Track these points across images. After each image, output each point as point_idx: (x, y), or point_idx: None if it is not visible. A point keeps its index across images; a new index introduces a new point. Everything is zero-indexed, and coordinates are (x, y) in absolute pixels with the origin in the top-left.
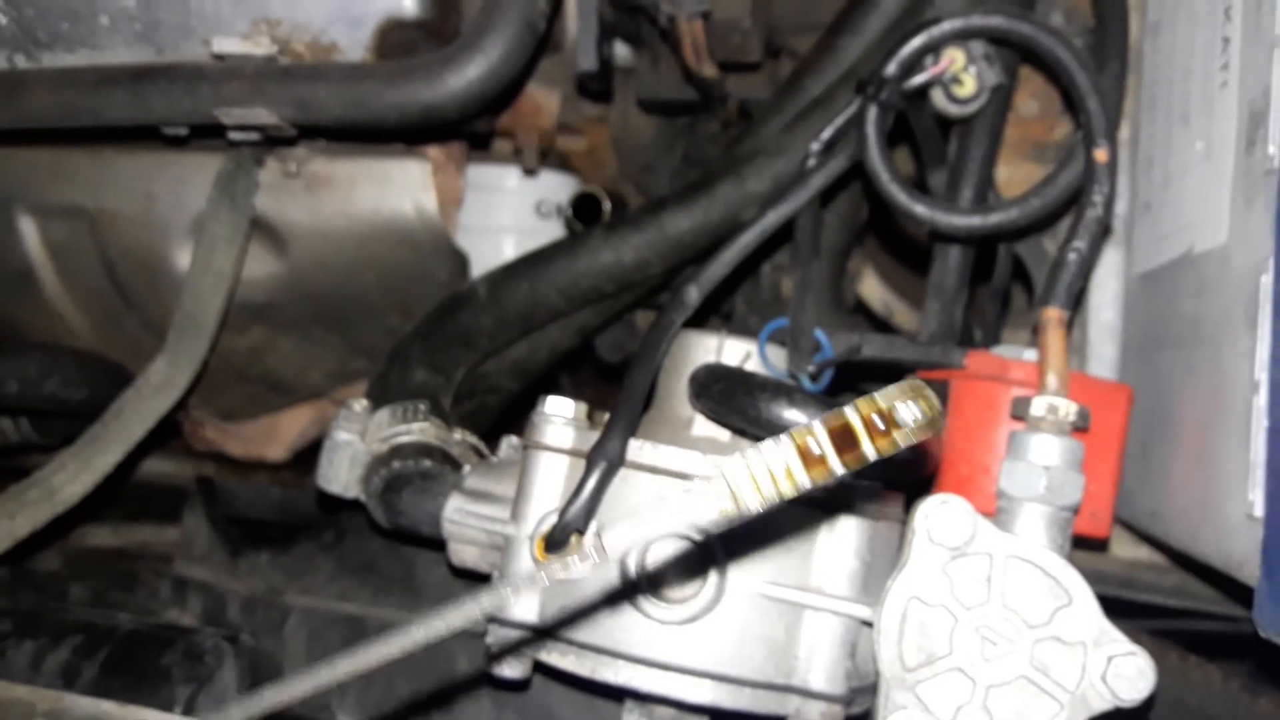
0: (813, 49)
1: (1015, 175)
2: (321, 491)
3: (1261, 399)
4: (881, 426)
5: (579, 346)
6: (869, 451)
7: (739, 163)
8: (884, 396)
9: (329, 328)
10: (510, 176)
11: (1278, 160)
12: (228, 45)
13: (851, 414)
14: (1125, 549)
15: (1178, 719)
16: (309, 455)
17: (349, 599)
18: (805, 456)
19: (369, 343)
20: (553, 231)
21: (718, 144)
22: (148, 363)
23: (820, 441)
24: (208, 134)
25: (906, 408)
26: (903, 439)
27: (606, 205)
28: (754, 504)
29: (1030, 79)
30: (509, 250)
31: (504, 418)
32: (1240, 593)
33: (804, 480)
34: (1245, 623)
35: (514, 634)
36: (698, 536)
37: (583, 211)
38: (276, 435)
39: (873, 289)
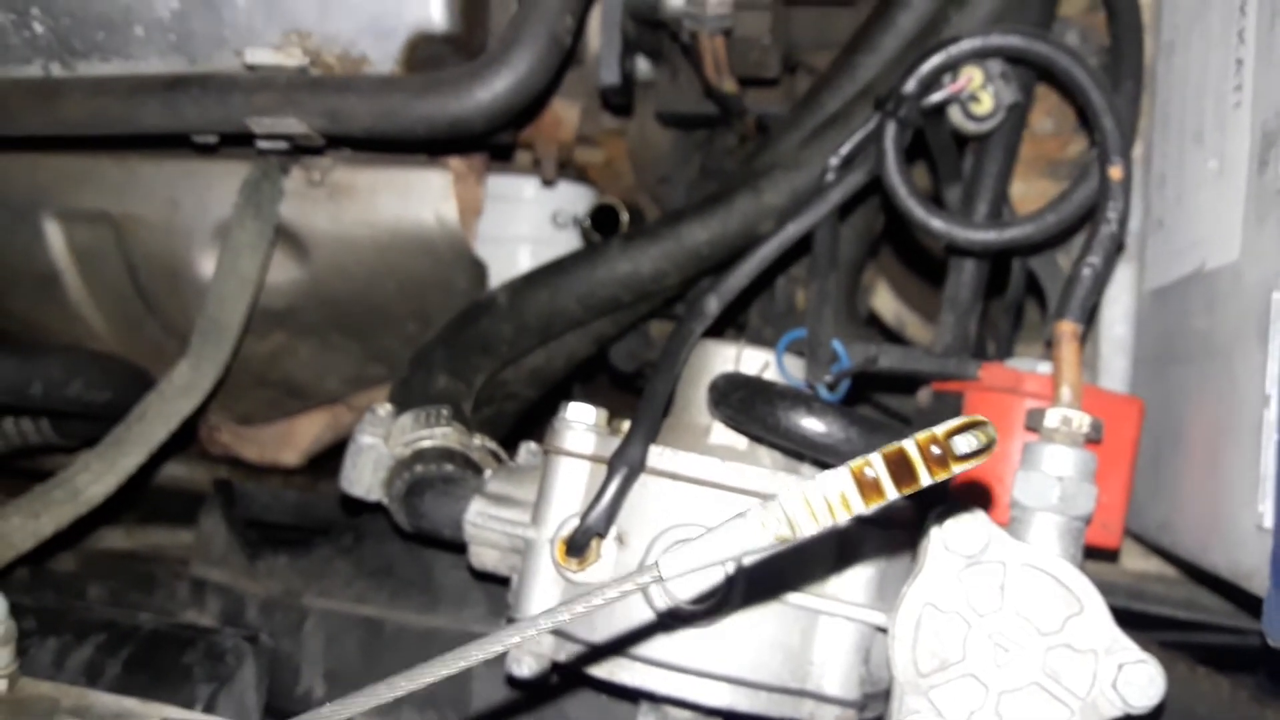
0: (830, 66)
1: (1030, 192)
2: (344, 494)
3: (1272, 413)
4: (938, 455)
5: (595, 355)
6: (925, 480)
7: (756, 176)
8: (942, 427)
9: (348, 334)
10: (528, 187)
11: None
12: (260, 56)
13: (909, 444)
14: (1135, 561)
15: None
16: (323, 460)
17: (367, 601)
18: (861, 485)
19: (387, 350)
20: (569, 242)
21: (735, 158)
22: (170, 366)
23: (877, 470)
24: (237, 143)
25: (963, 439)
26: (958, 468)
27: (624, 217)
28: (809, 530)
29: (1045, 97)
30: (525, 260)
31: (520, 425)
32: (1249, 605)
33: (859, 508)
34: (1254, 635)
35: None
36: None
37: (601, 223)
38: (292, 440)
39: (886, 302)
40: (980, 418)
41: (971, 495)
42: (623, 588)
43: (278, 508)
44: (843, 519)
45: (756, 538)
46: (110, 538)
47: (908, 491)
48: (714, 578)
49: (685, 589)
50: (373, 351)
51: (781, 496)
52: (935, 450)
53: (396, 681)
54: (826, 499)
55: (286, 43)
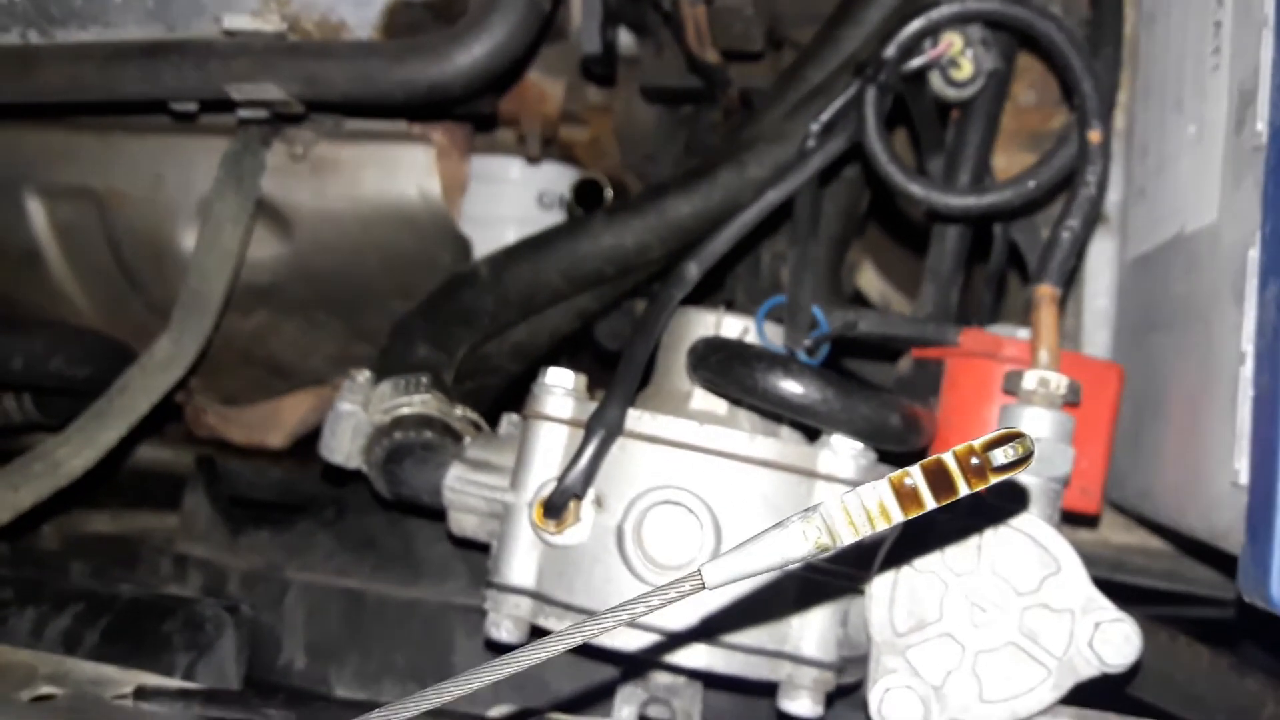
0: (814, 38)
1: (1013, 164)
2: (325, 463)
3: (1248, 369)
4: (976, 465)
5: (579, 330)
6: (963, 491)
7: (740, 149)
8: (980, 439)
9: (332, 311)
10: (514, 167)
11: (1265, 136)
12: (238, 22)
13: (948, 456)
14: (1119, 534)
15: (1166, 697)
16: (309, 442)
17: (348, 574)
18: (900, 495)
19: (371, 327)
20: (555, 222)
21: (720, 132)
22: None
23: (916, 481)
24: (217, 110)
25: (1001, 450)
26: (995, 479)
27: (608, 192)
28: (848, 539)
29: (1028, 70)
30: (511, 240)
31: (504, 399)
32: (1229, 571)
33: (898, 517)
34: (1235, 606)
35: (511, 599)
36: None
37: (585, 198)
38: (278, 421)
39: (871, 281)
40: (1018, 430)
41: None
42: (665, 596)
43: (262, 485)
44: (882, 528)
45: (798, 547)
46: (97, 521)
47: (946, 502)
48: (691, 541)
49: (664, 552)
50: (358, 329)
51: (823, 506)
52: (974, 461)
53: (461, 680)
54: (866, 508)
55: (265, 9)
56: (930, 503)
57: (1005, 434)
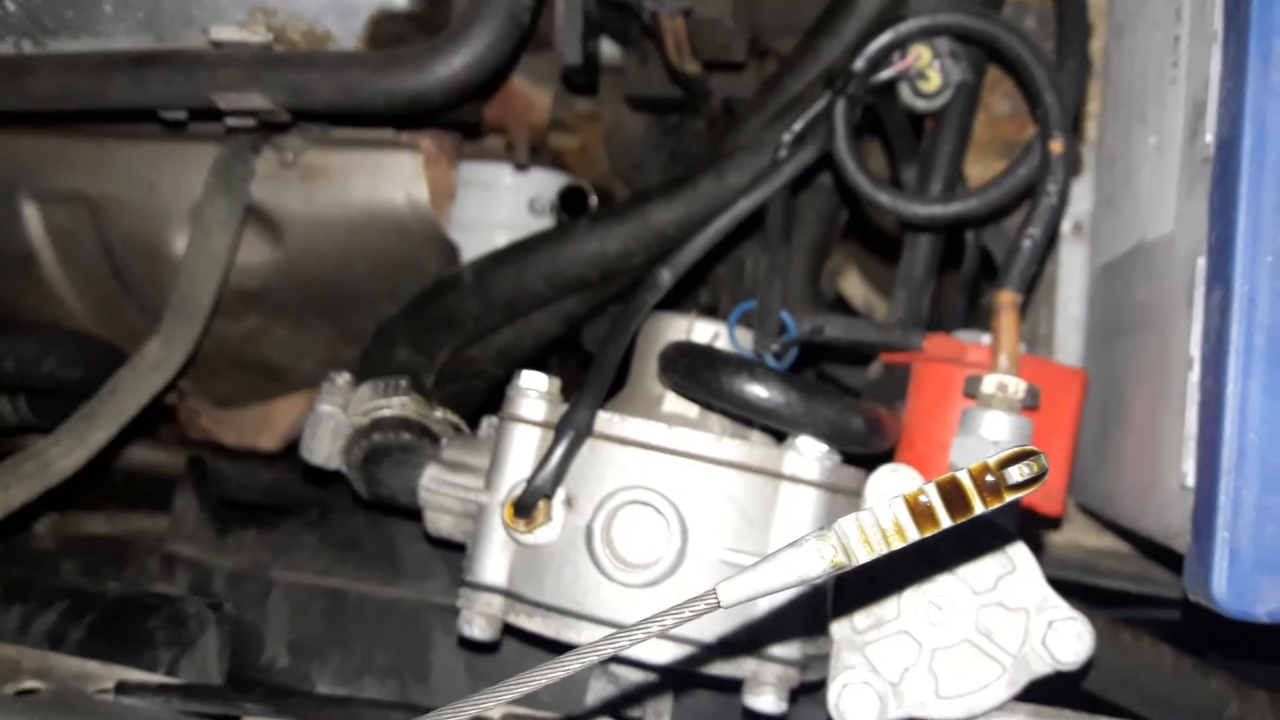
0: (794, 49)
1: (988, 172)
2: (306, 464)
3: (1195, 374)
4: (992, 483)
5: (564, 335)
6: (979, 509)
7: (721, 158)
8: (995, 457)
9: (322, 315)
10: (505, 174)
11: (1213, 148)
12: (225, 33)
13: (963, 475)
14: (1089, 538)
15: (1129, 697)
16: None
17: (332, 574)
18: (916, 513)
19: (361, 331)
20: (545, 227)
21: (703, 141)
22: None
23: (932, 499)
24: (205, 118)
25: (1016, 468)
26: (1010, 497)
27: (593, 199)
28: (864, 558)
29: (1003, 80)
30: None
31: (488, 403)
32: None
33: (913, 535)
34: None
35: (483, 597)
36: (808, 586)
37: (570, 205)
38: (270, 424)
39: (855, 285)
40: (1033, 448)
41: (913, 460)
42: (680, 614)
43: (251, 487)
44: (897, 546)
45: (813, 566)
46: (90, 523)
47: (961, 520)
48: (658, 540)
49: (632, 551)
50: (347, 333)
51: (838, 525)
52: (989, 479)
53: (508, 685)
54: (881, 527)
55: (252, 20)
56: (946, 521)
57: (1019, 452)
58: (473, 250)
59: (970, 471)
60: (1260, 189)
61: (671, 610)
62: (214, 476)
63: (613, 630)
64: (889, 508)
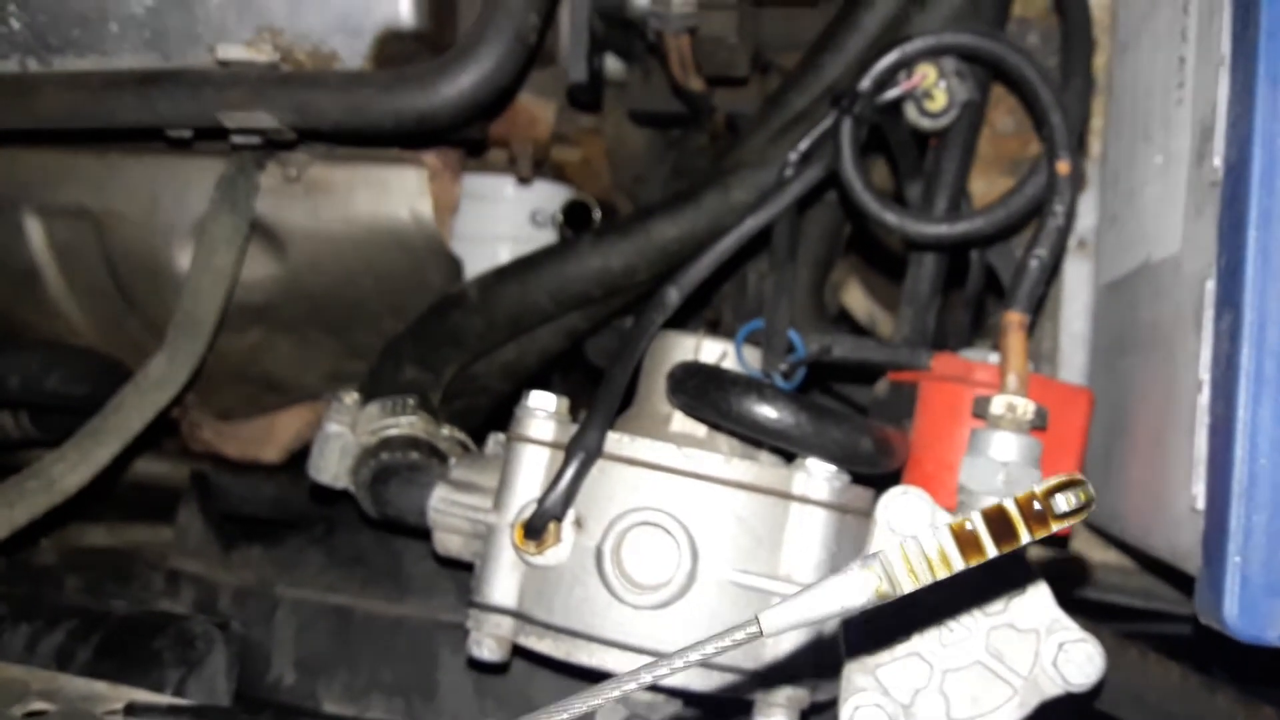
0: (797, 65)
1: (992, 189)
2: (313, 483)
3: (1204, 397)
4: (1038, 511)
5: (568, 350)
6: (1025, 538)
7: (724, 174)
8: (1041, 485)
9: (325, 330)
10: (507, 186)
11: (1222, 172)
12: (232, 52)
13: (1009, 503)
14: (1095, 552)
15: (1137, 714)
16: (303, 457)
17: (338, 590)
18: (961, 541)
19: (364, 345)
20: (547, 241)
21: (706, 156)
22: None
23: (978, 528)
24: (211, 137)
25: (1063, 496)
26: (1057, 525)
27: (597, 213)
28: (908, 587)
29: (1007, 98)
30: (504, 259)
31: (493, 418)
32: (1192, 590)
33: (958, 564)
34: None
35: (493, 618)
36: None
37: (574, 219)
38: (272, 437)
39: (858, 300)
40: (1079, 476)
41: (920, 479)
42: (721, 643)
43: (255, 501)
44: (942, 576)
45: (858, 595)
46: (92, 535)
47: (1007, 549)
48: (668, 561)
49: (642, 573)
50: (351, 347)
51: (883, 553)
52: (1036, 507)
53: (548, 712)
54: (926, 555)
55: (258, 39)
56: (992, 550)
57: (1067, 480)
58: (475, 263)
59: (1017, 500)
60: (1270, 216)
61: (713, 639)
62: (217, 491)
63: (651, 659)
64: (934, 536)
